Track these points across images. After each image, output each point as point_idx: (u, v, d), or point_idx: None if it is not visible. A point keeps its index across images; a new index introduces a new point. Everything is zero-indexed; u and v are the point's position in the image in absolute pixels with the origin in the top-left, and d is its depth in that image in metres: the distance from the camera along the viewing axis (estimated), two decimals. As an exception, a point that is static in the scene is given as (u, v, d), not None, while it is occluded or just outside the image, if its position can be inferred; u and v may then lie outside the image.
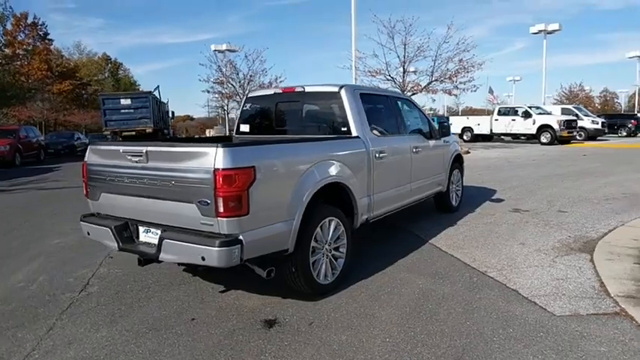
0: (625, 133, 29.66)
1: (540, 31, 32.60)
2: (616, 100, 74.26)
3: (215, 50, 36.44)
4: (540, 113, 23.48)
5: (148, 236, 3.51)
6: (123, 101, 20.56)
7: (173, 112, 29.95)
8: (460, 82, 18.91)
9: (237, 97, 25.01)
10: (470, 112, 62.77)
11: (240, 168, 2.96)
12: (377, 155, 4.48)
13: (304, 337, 3.12)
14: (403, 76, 18.80)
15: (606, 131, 26.72)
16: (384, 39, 19.12)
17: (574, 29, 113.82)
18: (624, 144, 22.73)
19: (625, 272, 4.10)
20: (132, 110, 20.30)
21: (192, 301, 3.82)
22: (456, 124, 26.11)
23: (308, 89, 4.74)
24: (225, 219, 2.95)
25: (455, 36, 19.30)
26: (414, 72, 19.28)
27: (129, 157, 3.39)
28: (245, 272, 3.97)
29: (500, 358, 2.78)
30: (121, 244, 3.55)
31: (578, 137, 24.09)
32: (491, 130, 25.11)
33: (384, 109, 5.11)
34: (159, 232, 3.39)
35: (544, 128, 22.41)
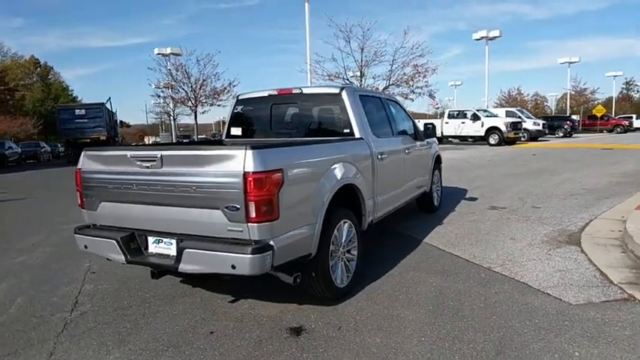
0: (562, 134, 31.70)
1: (482, 37, 34.26)
2: (546, 103, 79.19)
3: (159, 54, 35.44)
4: (488, 116, 24.58)
5: (160, 247, 3.29)
6: (78, 112, 23.27)
7: (121, 121, 31.57)
8: (417, 87, 19.45)
9: (189, 101, 24.35)
10: (413, 116, 64.66)
11: (270, 171, 2.83)
12: (379, 156, 4.47)
13: (337, 342, 3.03)
14: (361, 80, 19.04)
15: (546, 132, 28.41)
16: (341, 43, 19.33)
17: (507, 37, 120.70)
18: (564, 144, 24.24)
19: (617, 261, 4.32)
20: (86, 120, 22.83)
21: (203, 313, 3.61)
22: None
23: (306, 91, 4.66)
24: (256, 224, 2.81)
25: (410, 42, 19.76)
26: (373, 77, 19.64)
27: (138, 163, 3.16)
28: (246, 281, 3.90)
29: (538, 348, 2.82)
30: (129, 256, 3.30)
31: (522, 138, 25.42)
32: (442, 132, 25.95)
33: (378, 110, 5.11)
34: (173, 241, 3.19)
35: (492, 130, 23.47)
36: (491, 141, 23.50)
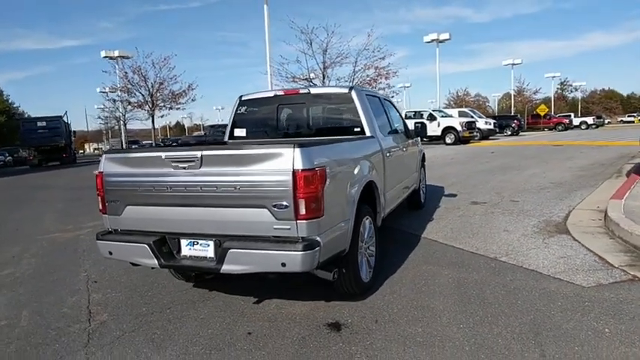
0: (510, 132, 33.33)
1: (433, 40, 35.43)
2: (487, 103, 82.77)
3: (106, 57, 34.42)
4: (443, 116, 25.47)
5: (195, 249, 3.24)
6: (39, 123, 27.94)
7: (75, 131, 35.38)
8: (380, 89, 19.79)
9: (147, 105, 23.59)
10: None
11: (316, 168, 2.88)
12: (387, 154, 4.60)
13: (380, 334, 3.10)
14: (323, 81, 19.21)
15: (497, 131, 29.77)
16: (302, 45, 19.39)
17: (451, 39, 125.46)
18: (515, 142, 25.49)
19: (609, 246, 4.67)
20: (47, 130, 27.46)
21: (231, 315, 3.58)
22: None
23: (314, 91, 4.72)
24: (305, 221, 2.85)
25: (372, 44, 20.08)
26: (337, 79, 19.84)
27: (174, 164, 3.10)
28: (261, 281, 3.98)
29: (570, 328, 3.02)
30: (162, 260, 3.22)
31: (475, 137, 26.49)
32: (400, 133, 26.53)
33: (378, 108, 5.23)
34: (210, 243, 3.16)
35: (448, 130, 24.32)
36: (448, 140, 24.34)
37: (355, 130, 4.50)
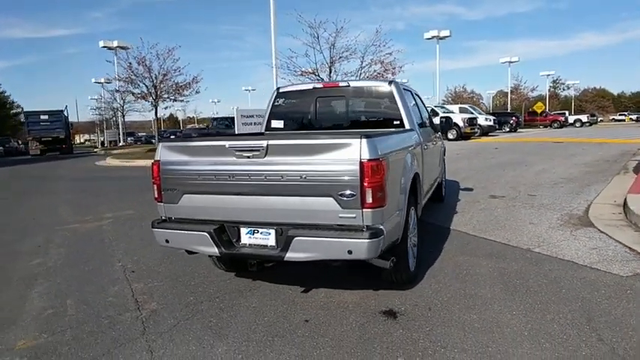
0: (508, 129, 33.60)
1: (433, 36, 35.54)
2: (481, 100, 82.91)
3: (104, 47, 34.21)
4: (445, 112, 25.56)
5: (255, 237, 3.29)
6: (42, 117, 31.27)
7: (72, 124, 38.51)
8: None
9: (150, 96, 23.42)
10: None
11: (380, 158, 2.95)
12: (424, 146, 4.68)
13: (437, 320, 3.19)
14: (330, 76, 19.22)
15: (497, 127, 29.97)
16: (309, 39, 19.36)
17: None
18: (515, 138, 25.68)
19: (636, 238, 4.79)
20: (49, 123, 31.03)
21: (283, 304, 3.64)
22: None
23: (354, 84, 4.79)
24: (370, 210, 2.92)
25: (378, 40, 20.08)
26: (345, 73, 19.85)
27: (237, 153, 3.15)
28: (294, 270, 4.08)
29: (620, 314, 3.13)
30: (223, 249, 3.28)
31: (476, 133, 26.65)
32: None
33: (412, 102, 5.31)
34: (272, 231, 3.22)
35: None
36: (450, 136, 24.38)
37: (395, 123, 4.58)
